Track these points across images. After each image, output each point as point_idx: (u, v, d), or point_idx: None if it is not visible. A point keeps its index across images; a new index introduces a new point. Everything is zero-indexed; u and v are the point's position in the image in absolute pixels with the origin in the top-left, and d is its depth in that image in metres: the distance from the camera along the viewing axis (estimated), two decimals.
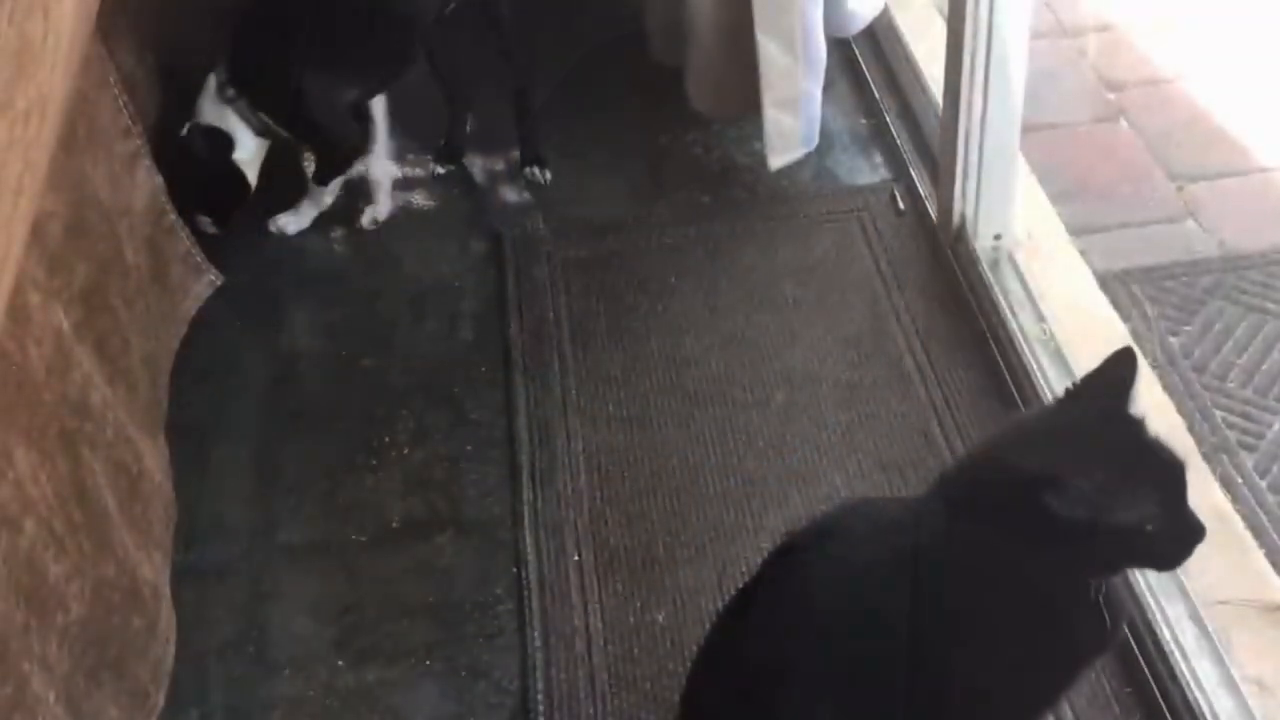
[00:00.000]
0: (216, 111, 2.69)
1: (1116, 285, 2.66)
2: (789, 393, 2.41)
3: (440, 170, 3.05)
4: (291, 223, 2.90)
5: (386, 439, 2.42)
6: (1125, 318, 2.56)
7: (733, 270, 2.71)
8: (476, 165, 3.09)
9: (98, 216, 2.09)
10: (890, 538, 1.58)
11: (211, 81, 2.69)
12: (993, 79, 2.43)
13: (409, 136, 3.09)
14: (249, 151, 2.74)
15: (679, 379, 2.46)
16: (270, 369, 2.60)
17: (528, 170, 3.01)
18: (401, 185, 3.06)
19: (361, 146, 2.87)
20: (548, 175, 3.00)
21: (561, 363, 2.53)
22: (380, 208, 2.95)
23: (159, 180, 2.45)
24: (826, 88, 2.93)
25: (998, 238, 2.59)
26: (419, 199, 3.04)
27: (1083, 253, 2.71)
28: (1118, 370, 1.53)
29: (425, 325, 2.67)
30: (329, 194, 2.90)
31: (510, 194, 3.02)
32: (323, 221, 2.95)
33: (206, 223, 2.72)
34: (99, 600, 1.76)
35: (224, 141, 2.69)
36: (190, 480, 2.33)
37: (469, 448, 2.39)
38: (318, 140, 2.85)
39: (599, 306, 2.65)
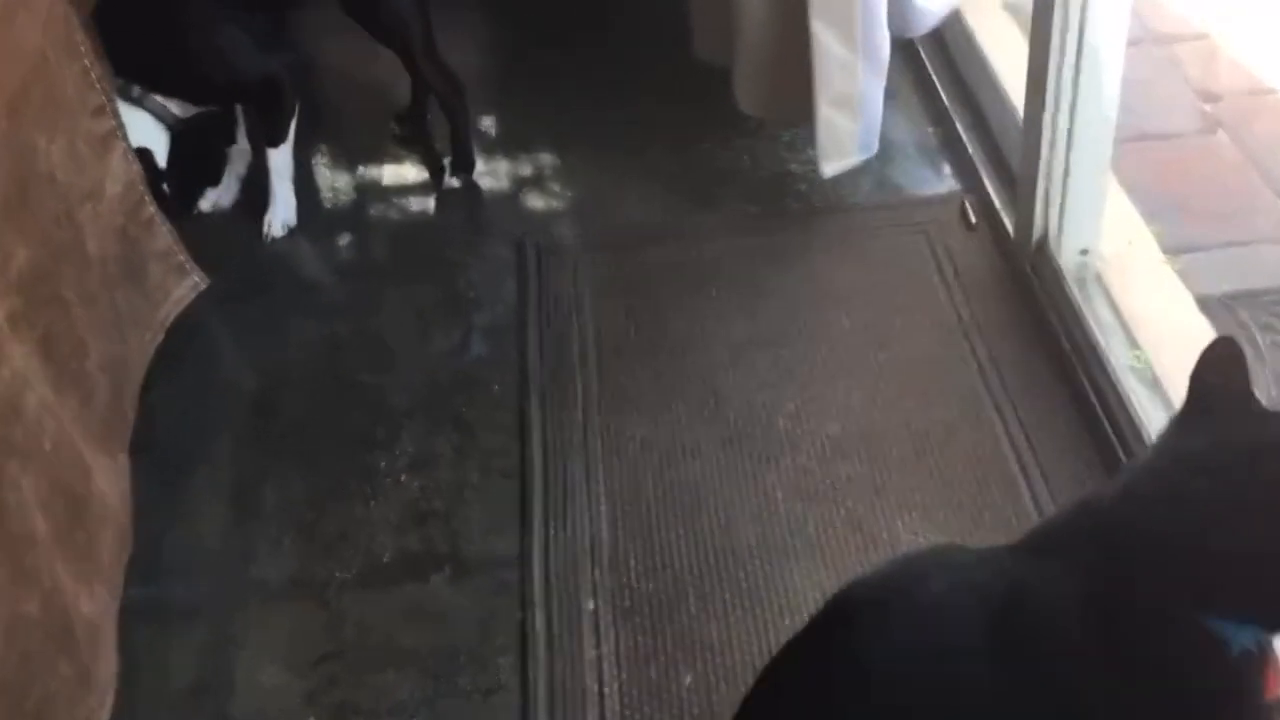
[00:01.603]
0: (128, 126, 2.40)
1: (1220, 310, 2.34)
2: (842, 427, 2.10)
3: (455, 183, 2.77)
4: (281, 211, 2.65)
5: (383, 464, 2.13)
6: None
7: (782, 288, 2.40)
8: (500, 169, 2.81)
9: (50, 196, 1.82)
10: (978, 593, 1.26)
11: None
12: (1083, 84, 2.15)
13: (419, 148, 2.86)
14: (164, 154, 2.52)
15: (717, 409, 2.16)
16: (259, 384, 2.33)
17: (446, 177, 2.77)
18: (417, 192, 2.79)
19: (290, 80, 2.60)
20: (455, 182, 2.77)
21: (584, 385, 2.23)
22: (224, 192, 2.72)
23: (137, 169, 2.18)
24: (890, 95, 2.63)
25: (1084, 253, 2.28)
26: (432, 205, 2.76)
27: (1181, 274, 2.39)
28: (1227, 370, 1.23)
29: (433, 340, 2.38)
30: (289, 148, 2.63)
31: (536, 200, 2.73)
32: (324, 226, 2.68)
33: None
34: (12, 642, 1.47)
35: (150, 163, 2.44)
36: (158, 506, 2.06)
37: (475, 476, 2.10)
38: (241, 95, 2.61)
39: (629, 324, 2.35)
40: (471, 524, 2.02)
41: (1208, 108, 2.93)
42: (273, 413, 2.26)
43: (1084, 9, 2.08)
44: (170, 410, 2.24)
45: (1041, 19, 2.12)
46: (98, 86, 2.07)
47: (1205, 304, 2.33)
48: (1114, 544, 1.20)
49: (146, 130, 2.47)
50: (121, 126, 2.15)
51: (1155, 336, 2.15)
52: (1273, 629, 1.18)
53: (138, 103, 2.47)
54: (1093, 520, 1.25)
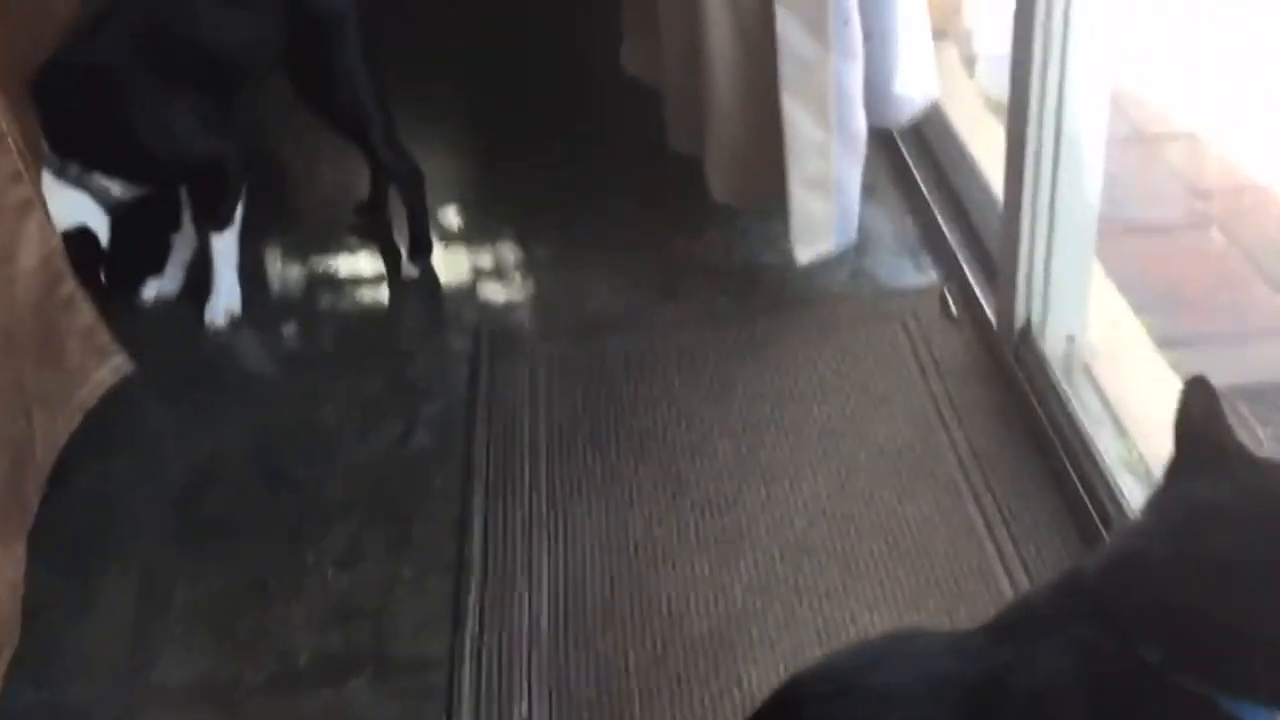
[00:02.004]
0: (65, 205, 2.29)
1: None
2: (809, 520, 1.93)
3: (414, 272, 2.64)
4: (225, 298, 2.51)
5: (309, 559, 1.96)
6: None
7: (750, 378, 2.25)
8: (459, 261, 2.68)
9: None
10: (943, 682, 1.09)
11: (44, 176, 2.29)
12: (1063, 172, 2.04)
13: (376, 239, 2.74)
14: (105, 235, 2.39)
15: (674, 501, 1.99)
16: (182, 475, 2.16)
17: (404, 264, 2.66)
18: (371, 283, 2.66)
19: (236, 160, 2.48)
20: (413, 272, 2.65)
21: (532, 476, 2.07)
22: (168, 281, 2.59)
23: (56, 243, 2.05)
24: (867, 189, 2.51)
25: (1070, 340, 2.13)
26: (386, 296, 2.63)
27: (1174, 367, 2.24)
28: (1209, 415, 1.09)
29: (377, 432, 2.22)
30: (235, 233, 2.50)
31: (496, 292, 2.59)
32: (271, 315, 2.55)
33: None
34: None
35: (92, 241, 2.32)
36: (60, 601, 1.89)
37: (407, 572, 1.92)
38: (185, 176, 2.50)
39: (584, 414, 2.20)
40: (400, 622, 1.84)
41: (1198, 204, 2.82)
42: (196, 506, 2.09)
43: (1060, 98, 1.98)
44: (86, 499, 2.09)
45: (1018, 108, 2.03)
46: (14, 152, 1.95)
47: None
48: (1111, 617, 1.03)
49: (87, 210, 2.35)
50: (41, 198, 2.03)
51: (1147, 427, 1.99)
52: None
53: (76, 182, 2.35)
54: (1082, 593, 1.08)
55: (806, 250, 2.39)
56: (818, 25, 2.24)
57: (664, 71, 2.70)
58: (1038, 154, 2.03)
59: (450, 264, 2.67)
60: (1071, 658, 1.05)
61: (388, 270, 2.68)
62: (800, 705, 1.16)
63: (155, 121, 2.40)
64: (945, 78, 2.72)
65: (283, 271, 2.70)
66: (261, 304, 2.57)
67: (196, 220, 2.58)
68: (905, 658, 1.15)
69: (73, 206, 2.32)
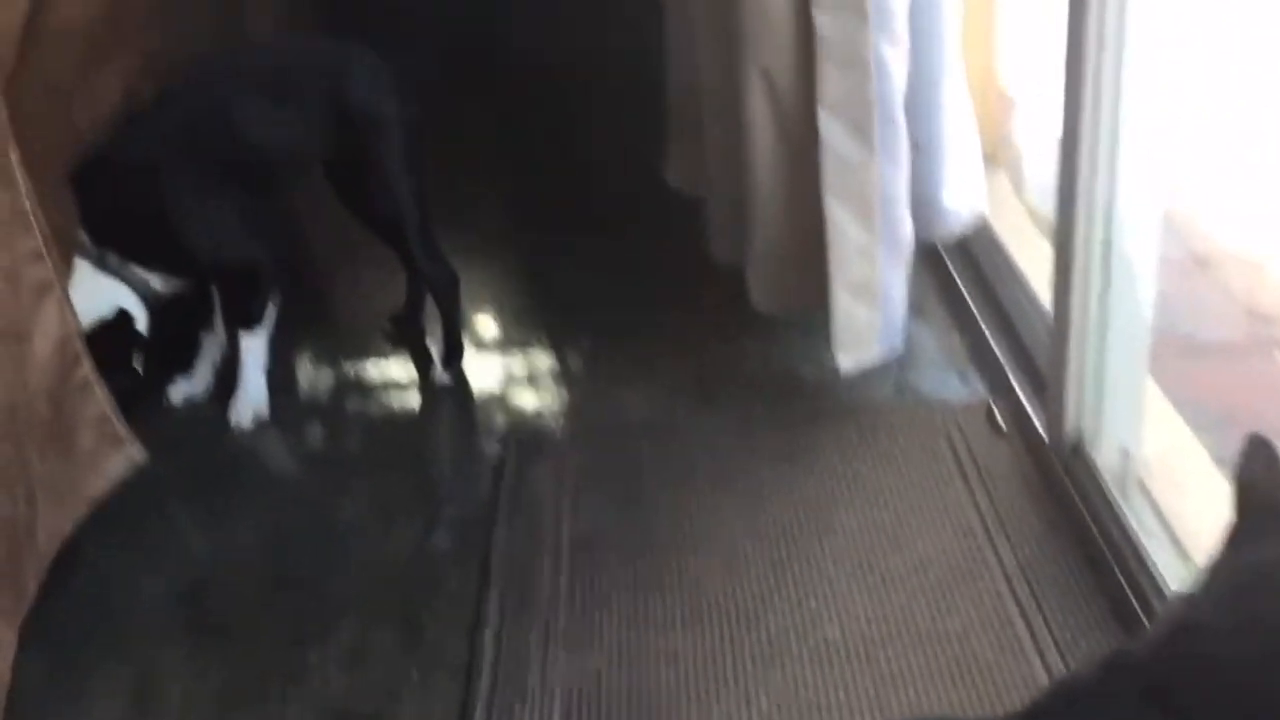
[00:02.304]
0: (102, 293, 2.27)
1: None
2: (843, 631, 1.81)
3: (446, 378, 2.57)
4: (251, 399, 2.45)
5: (312, 659, 1.85)
6: None
7: (785, 487, 2.14)
8: (491, 367, 2.61)
9: None
10: None
11: (82, 267, 2.28)
12: (1113, 289, 1.97)
13: (409, 346, 2.70)
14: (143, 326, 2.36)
15: (700, 609, 1.88)
16: (189, 572, 2.08)
17: (434, 371, 2.59)
18: (401, 388, 2.59)
19: (268, 265, 2.45)
20: (445, 378, 2.58)
21: (552, 580, 1.96)
22: (197, 381, 2.54)
23: (75, 326, 2.00)
24: (914, 306, 2.44)
25: (1125, 454, 2.01)
26: (416, 402, 2.56)
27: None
28: (1272, 474, 1.00)
29: (394, 533, 2.13)
30: (264, 334, 2.46)
31: (527, 398, 2.52)
32: (298, 418, 2.49)
33: None
34: None
35: (129, 327, 2.31)
36: (46, 696, 1.79)
37: (415, 674, 1.82)
38: (218, 275, 2.46)
39: (610, 519, 2.10)
40: None
41: (1258, 327, 2.71)
42: (200, 604, 2.01)
43: (1109, 215, 1.92)
44: (89, 593, 2.01)
45: (1065, 225, 1.96)
46: (37, 231, 1.91)
47: None
48: (1162, 695, 0.91)
49: (125, 299, 2.33)
50: (62, 280, 1.98)
51: (1206, 545, 1.85)
52: None
53: (115, 272, 2.32)
54: (1129, 670, 0.96)
55: (850, 358, 2.30)
56: (862, 126, 2.19)
57: (706, 180, 2.66)
58: (1086, 270, 1.97)
59: (483, 369, 2.60)
60: None
61: (419, 375, 2.61)
62: None
63: (192, 219, 2.38)
64: (992, 195, 2.67)
65: (312, 374, 2.66)
66: (288, 405, 2.52)
67: (226, 320, 2.54)
68: None
69: (110, 294, 2.29)
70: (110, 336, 2.16)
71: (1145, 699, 0.91)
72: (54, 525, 1.91)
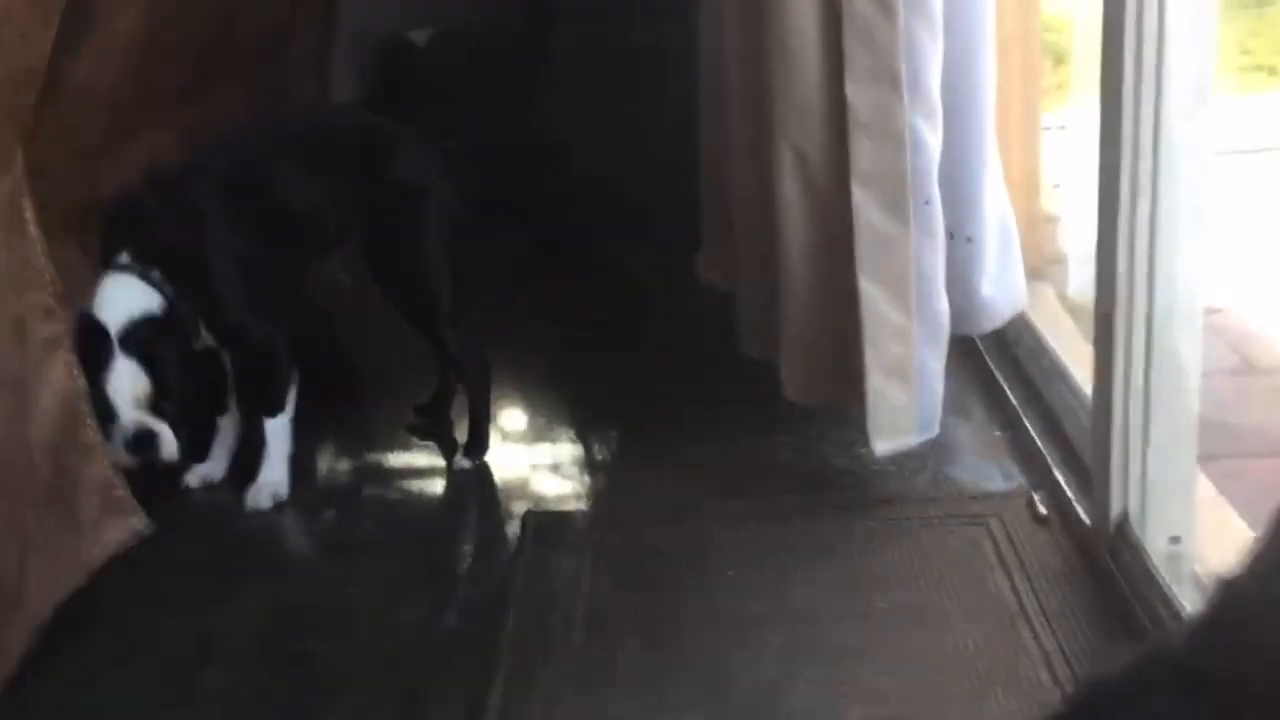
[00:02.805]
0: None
1: None
2: (866, 713, 1.68)
3: (466, 464, 2.50)
4: (272, 481, 2.39)
5: None
6: None
7: (812, 573, 2.04)
8: (514, 454, 2.54)
9: None
10: None
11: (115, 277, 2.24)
12: (1155, 374, 1.88)
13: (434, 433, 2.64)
14: None
15: (717, 689, 1.76)
16: (187, 648, 1.98)
17: (458, 458, 2.52)
18: (421, 475, 2.53)
19: (282, 347, 2.40)
20: (465, 464, 2.50)
21: (563, 659, 1.86)
22: (214, 466, 2.48)
23: (81, 386, 1.95)
24: (953, 403, 2.36)
25: (1175, 540, 1.89)
26: (437, 487, 2.49)
27: None
28: None
29: (402, 614, 2.04)
30: (287, 418, 2.40)
31: (549, 485, 2.44)
32: (315, 501, 2.42)
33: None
34: None
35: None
36: None
37: None
38: (240, 340, 2.40)
39: (626, 600, 2.00)
40: None
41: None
42: (194, 678, 1.91)
43: (1150, 306, 1.85)
44: (78, 668, 1.91)
45: (1105, 311, 1.89)
46: (49, 288, 1.88)
47: None
48: (1201, 685, 0.80)
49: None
50: (69, 341, 1.94)
51: None
52: None
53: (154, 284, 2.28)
54: (1166, 661, 0.86)
55: (885, 443, 2.21)
56: (896, 200, 2.13)
57: (737, 274, 2.61)
58: (1128, 358, 1.88)
59: (507, 458, 2.53)
60: None
61: (444, 462, 2.54)
62: None
63: (228, 274, 2.35)
64: (1034, 296, 2.61)
65: (332, 458, 2.59)
66: (305, 486, 2.45)
67: (244, 405, 2.48)
68: None
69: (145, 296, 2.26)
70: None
71: (1183, 686, 0.81)
72: (47, 588, 1.84)
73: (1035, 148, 2.88)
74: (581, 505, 2.35)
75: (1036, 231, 2.89)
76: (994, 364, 2.61)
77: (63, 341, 1.93)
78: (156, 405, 2.20)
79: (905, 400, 2.20)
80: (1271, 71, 5.03)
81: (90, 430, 1.96)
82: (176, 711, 1.84)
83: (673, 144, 3.03)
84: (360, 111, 2.99)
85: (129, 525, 2.01)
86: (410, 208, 2.45)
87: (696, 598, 1.99)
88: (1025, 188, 2.78)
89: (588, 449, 2.55)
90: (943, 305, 2.22)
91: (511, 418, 2.68)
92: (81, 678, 1.90)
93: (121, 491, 2.01)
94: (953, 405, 2.42)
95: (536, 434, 2.62)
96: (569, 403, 2.74)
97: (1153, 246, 1.82)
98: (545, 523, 2.25)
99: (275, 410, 2.40)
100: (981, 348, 2.64)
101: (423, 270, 2.47)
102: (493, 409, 2.55)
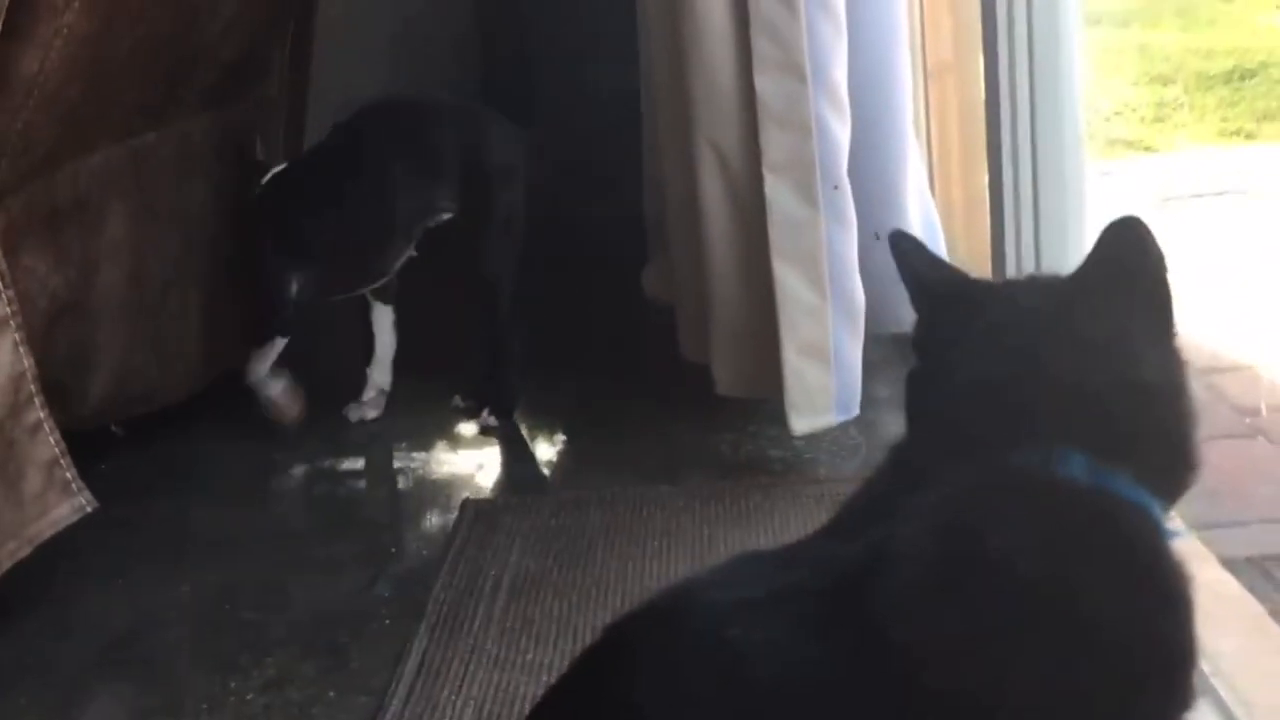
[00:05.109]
0: None
1: (1250, 569, 2.01)
2: None
3: (492, 420, 2.67)
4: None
5: (233, 686, 1.82)
6: (1263, 599, 1.87)
7: (735, 541, 2.11)
8: (458, 449, 2.64)
9: None
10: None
11: None
12: None
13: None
14: None
15: None
16: (126, 617, 2.05)
17: (484, 414, 2.67)
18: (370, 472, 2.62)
19: (281, 331, 2.65)
20: (492, 420, 2.67)
21: (485, 615, 1.93)
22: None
23: (28, 366, 2.04)
24: (887, 393, 2.44)
25: None
26: (377, 480, 2.59)
27: (1206, 543, 2.06)
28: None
29: (337, 583, 2.11)
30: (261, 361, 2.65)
31: (494, 476, 2.53)
32: (259, 468, 2.55)
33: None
34: None
35: None
36: None
37: (332, 693, 1.78)
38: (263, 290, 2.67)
39: (553, 566, 2.07)
40: None
41: (1247, 420, 2.67)
42: (131, 643, 1.98)
43: None
44: (20, 626, 1.99)
45: None
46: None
47: (1232, 565, 1.99)
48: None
49: None
50: (17, 319, 2.04)
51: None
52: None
53: None
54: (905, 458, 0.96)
55: (803, 421, 2.29)
56: (807, 190, 2.24)
57: (675, 283, 2.71)
58: None
59: (452, 456, 2.62)
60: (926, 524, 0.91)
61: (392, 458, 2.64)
62: (629, 633, 1.01)
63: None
64: None
65: (285, 459, 2.68)
66: (261, 481, 2.57)
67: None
68: (747, 574, 1.01)
69: None
70: None
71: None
72: None
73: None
74: (518, 493, 2.43)
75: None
76: None
77: (9, 323, 2.02)
78: None
79: (823, 380, 2.28)
80: (1249, 136, 5.38)
81: (38, 411, 2.05)
82: (109, 671, 1.90)
83: (620, 175, 3.15)
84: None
85: (75, 505, 2.08)
86: (500, 190, 2.62)
87: (619, 565, 2.06)
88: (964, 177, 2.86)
89: (533, 447, 2.65)
90: (857, 289, 2.31)
91: (459, 421, 2.76)
92: (18, 640, 1.97)
93: (69, 472, 2.09)
94: (886, 396, 2.50)
95: (483, 435, 2.69)
96: (517, 410, 2.82)
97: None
98: (483, 509, 2.32)
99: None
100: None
101: (499, 251, 2.65)
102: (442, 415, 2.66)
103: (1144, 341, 0.96)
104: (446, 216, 2.62)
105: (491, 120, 2.68)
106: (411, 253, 2.67)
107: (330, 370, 2.91)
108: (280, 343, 2.64)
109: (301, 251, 2.64)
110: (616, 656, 1.00)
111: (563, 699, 1.02)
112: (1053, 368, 0.95)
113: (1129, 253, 0.96)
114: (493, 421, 2.63)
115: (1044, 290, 1.02)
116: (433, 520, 2.35)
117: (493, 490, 2.47)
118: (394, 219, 2.60)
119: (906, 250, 1.05)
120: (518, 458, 2.62)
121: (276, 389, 2.67)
